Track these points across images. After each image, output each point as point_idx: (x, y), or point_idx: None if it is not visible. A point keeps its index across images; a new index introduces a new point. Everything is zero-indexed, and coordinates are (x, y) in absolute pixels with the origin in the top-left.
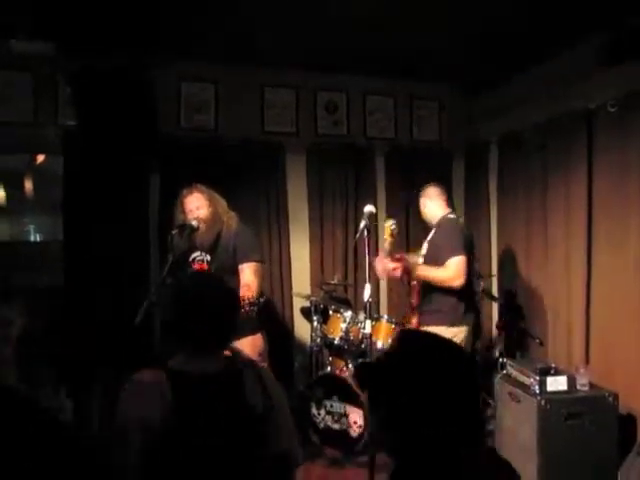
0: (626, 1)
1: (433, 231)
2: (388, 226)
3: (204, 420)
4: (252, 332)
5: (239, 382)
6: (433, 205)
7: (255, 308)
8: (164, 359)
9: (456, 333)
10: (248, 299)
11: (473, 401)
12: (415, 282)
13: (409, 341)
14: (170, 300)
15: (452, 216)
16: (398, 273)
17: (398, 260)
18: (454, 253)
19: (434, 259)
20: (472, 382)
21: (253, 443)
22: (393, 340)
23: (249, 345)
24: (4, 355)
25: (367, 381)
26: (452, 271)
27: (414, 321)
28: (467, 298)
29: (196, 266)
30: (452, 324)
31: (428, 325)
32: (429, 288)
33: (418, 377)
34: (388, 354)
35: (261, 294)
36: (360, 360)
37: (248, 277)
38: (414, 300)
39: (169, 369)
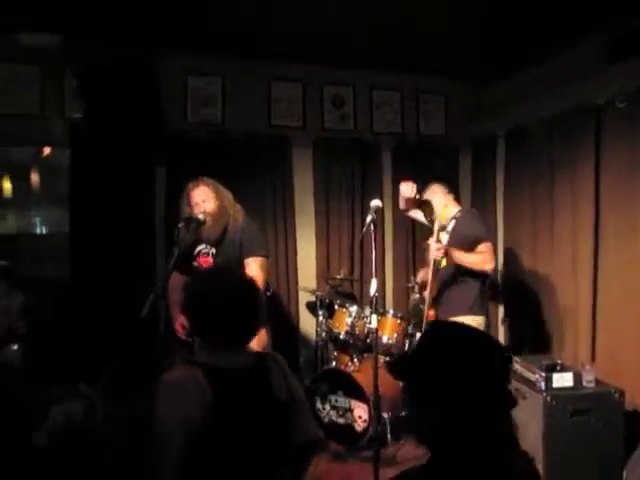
0: None
1: (453, 222)
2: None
3: (240, 414)
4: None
5: (268, 376)
6: (444, 201)
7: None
8: (168, 354)
9: (478, 322)
10: None
11: (504, 388)
12: (431, 275)
13: (442, 331)
14: (196, 296)
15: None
16: (441, 254)
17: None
18: (485, 239)
19: (459, 248)
20: (503, 369)
21: (283, 432)
22: (424, 332)
23: (254, 339)
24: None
25: (405, 373)
26: (487, 255)
27: (431, 313)
28: (485, 287)
29: (201, 259)
30: (473, 312)
31: (449, 315)
32: (447, 279)
33: (454, 365)
34: (422, 345)
35: (267, 287)
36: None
37: (254, 271)
38: (429, 292)
39: (204, 366)
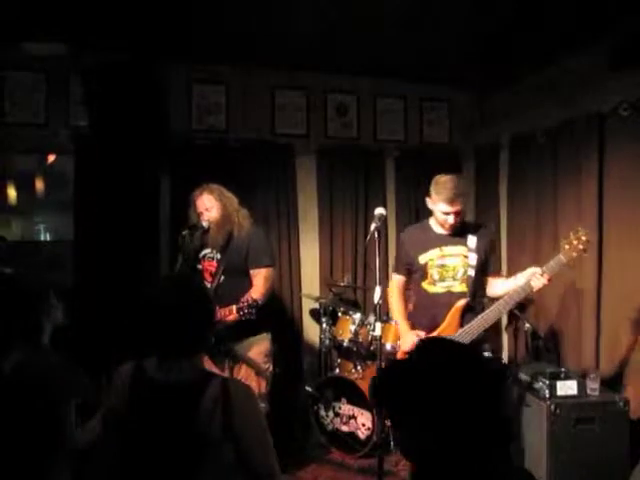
0: (638, 5)
1: (475, 238)
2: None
3: (146, 427)
4: (257, 333)
5: (196, 397)
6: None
7: (254, 311)
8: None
9: None
10: (247, 302)
11: (496, 410)
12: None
13: (431, 350)
14: (143, 303)
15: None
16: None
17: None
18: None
19: (483, 270)
20: (495, 391)
21: (191, 467)
22: (413, 350)
23: (256, 346)
24: None
25: (391, 396)
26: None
27: None
28: None
29: (205, 263)
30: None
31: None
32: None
33: (442, 385)
34: (410, 363)
35: (255, 300)
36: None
37: (259, 284)
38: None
39: (136, 366)
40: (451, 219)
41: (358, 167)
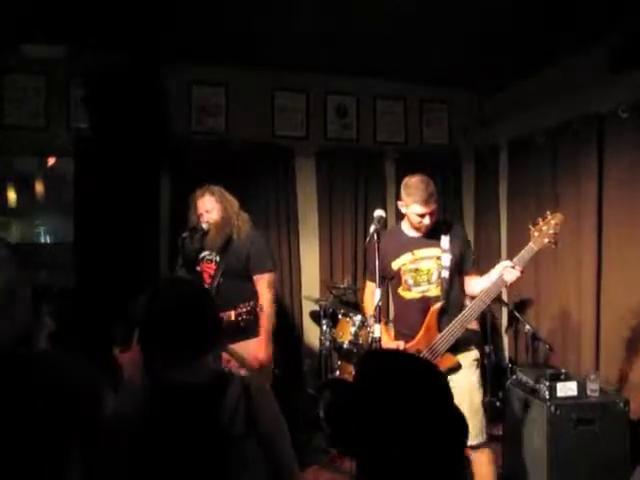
0: (637, 6)
1: (448, 238)
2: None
3: (169, 430)
4: (257, 335)
5: (218, 398)
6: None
7: (252, 317)
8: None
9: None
10: (246, 308)
11: (443, 424)
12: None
13: (371, 364)
14: (142, 305)
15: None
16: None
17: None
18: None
19: (460, 270)
20: (441, 405)
21: (220, 465)
22: (357, 364)
23: (254, 348)
24: None
25: (333, 406)
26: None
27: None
28: None
29: (204, 265)
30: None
31: (471, 348)
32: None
33: (380, 400)
34: (355, 377)
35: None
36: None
37: (263, 291)
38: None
39: (150, 370)
40: (427, 220)
41: (358, 169)
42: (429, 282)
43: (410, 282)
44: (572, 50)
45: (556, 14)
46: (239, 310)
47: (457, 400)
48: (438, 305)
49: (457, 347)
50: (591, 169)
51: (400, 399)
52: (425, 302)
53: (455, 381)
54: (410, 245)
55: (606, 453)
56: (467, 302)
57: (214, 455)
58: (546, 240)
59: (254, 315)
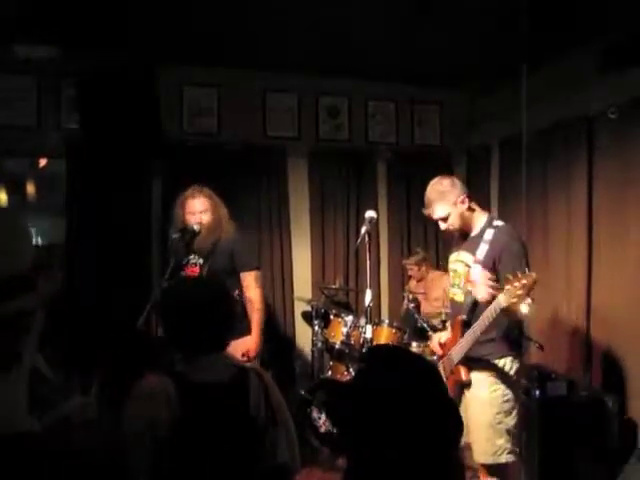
0: (627, 8)
1: (487, 248)
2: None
3: (207, 430)
4: (245, 334)
5: (245, 394)
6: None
7: (239, 308)
8: (166, 363)
9: (514, 360)
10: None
11: (454, 408)
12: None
13: (376, 359)
14: (164, 305)
15: (500, 222)
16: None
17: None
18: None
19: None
20: (442, 405)
21: (253, 456)
22: (361, 359)
23: (242, 347)
24: None
25: (335, 402)
26: None
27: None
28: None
29: (189, 270)
30: (513, 350)
31: (488, 360)
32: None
33: (382, 397)
34: (357, 373)
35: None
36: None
37: (252, 288)
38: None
39: (175, 375)
40: (441, 225)
41: (350, 169)
42: (459, 287)
43: (450, 281)
44: (562, 52)
45: (546, 16)
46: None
47: (464, 414)
48: (460, 318)
49: (472, 361)
50: (581, 170)
51: (398, 399)
52: (455, 305)
53: (466, 396)
54: (461, 244)
55: (596, 451)
56: None
57: (249, 445)
58: (513, 300)
59: (241, 306)
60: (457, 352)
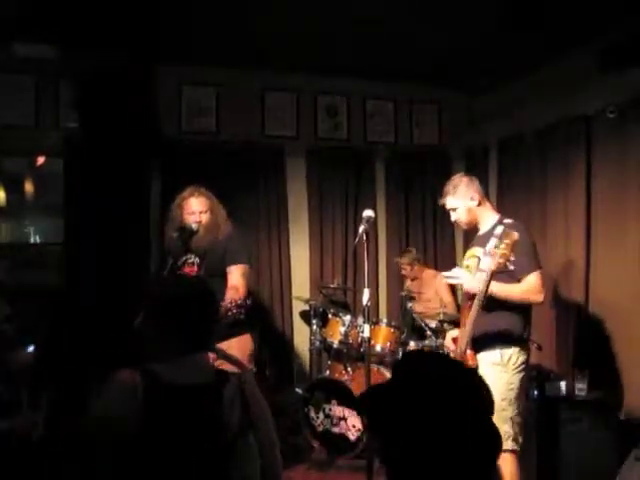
0: (626, 8)
1: (494, 241)
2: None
3: (170, 432)
4: (240, 333)
5: (217, 399)
6: (474, 207)
7: (243, 310)
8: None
9: (521, 351)
10: (235, 301)
11: (491, 427)
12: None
13: (413, 365)
14: (144, 302)
15: (510, 220)
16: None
17: None
18: (532, 268)
19: (505, 276)
20: (481, 411)
21: (220, 462)
22: (397, 364)
23: (238, 346)
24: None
25: (371, 407)
26: (534, 286)
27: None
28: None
29: (186, 269)
30: (519, 343)
31: (494, 348)
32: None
33: (420, 403)
34: (392, 378)
35: (248, 295)
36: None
37: (236, 280)
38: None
39: (146, 372)
40: (452, 216)
41: (348, 169)
42: None
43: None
44: (561, 51)
45: (546, 15)
46: (227, 305)
47: None
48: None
49: (479, 348)
50: (580, 169)
51: (440, 406)
52: (468, 299)
53: None
54: (475, 241)
55: (595, 451)
56: None
57: (215, 452)
58: (500, 260)
59: (243, 307)
60: (468, 325)
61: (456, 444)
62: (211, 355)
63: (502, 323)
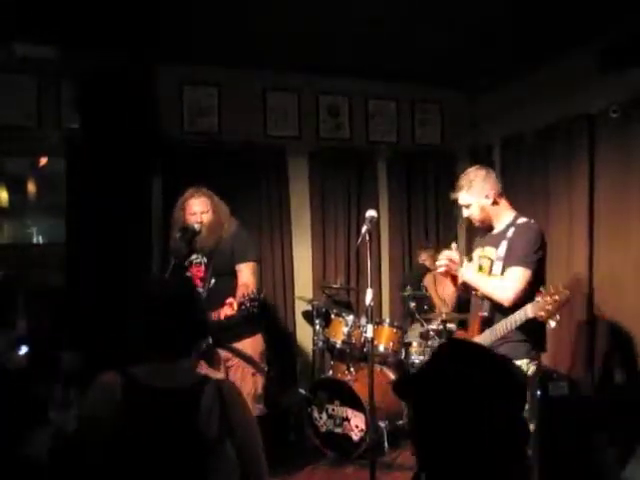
0: (626, 8)
1: (506, 242)
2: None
3: (143, 436)
4: (253, 333)
5: (194, 405)
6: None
7: (256, 304)
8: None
9: (531, 362)
10: (248, 295)
11: (516, 424)
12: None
13: (457, 353)
14: (132, 303)
15: (523, 220)
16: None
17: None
18: (519, 263)
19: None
20: (518, 405)
21: (198, 467)
22: (437, 351)
23: (251, 346)
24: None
25: (411, 393)
26: (511, 281)
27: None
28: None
29: (194, 269)
30: (529, 356)
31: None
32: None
33: (472, 391)
34: (433, 365)
35: (260, 291)
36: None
37: (247, 277)
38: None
39: (126, 374)
40: (464, 212)
41: (350, 169)
42: None
43: None
44: (563, 51)
45: (547, 15)
46: (242, 299)
47: None
48: (485, 313)
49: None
50: (582, 168)
51: (478, 393)
52: (480, 302)
53: None
54: (486, 240)
55: (599, 451)
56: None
57: (190, 459)
58: (542, 313)
59: (257, 301)
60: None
61: (488, 432)
62: (225, 354)
63: (512, 335)
